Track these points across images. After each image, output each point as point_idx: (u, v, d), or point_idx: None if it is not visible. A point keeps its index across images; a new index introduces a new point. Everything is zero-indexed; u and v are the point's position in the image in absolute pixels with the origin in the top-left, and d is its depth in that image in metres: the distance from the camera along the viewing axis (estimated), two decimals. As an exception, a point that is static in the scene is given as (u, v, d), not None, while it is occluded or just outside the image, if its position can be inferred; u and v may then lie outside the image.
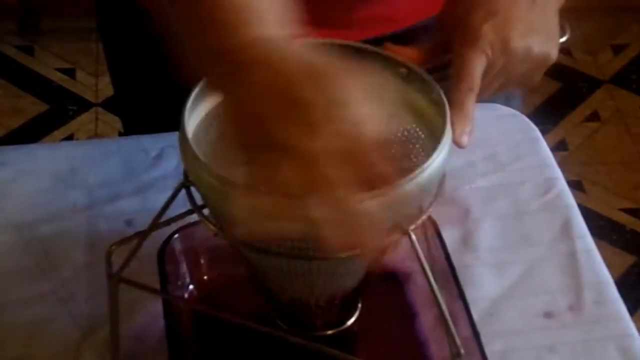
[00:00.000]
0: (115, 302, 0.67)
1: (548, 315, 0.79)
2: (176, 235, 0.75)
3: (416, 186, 0.57)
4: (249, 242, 0.60)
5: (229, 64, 0.57)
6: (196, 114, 0.63)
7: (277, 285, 0.66)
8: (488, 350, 0.70)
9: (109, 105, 2.09)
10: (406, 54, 0.68)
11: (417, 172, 0.57)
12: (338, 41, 0.65)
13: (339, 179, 0.53)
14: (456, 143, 0.63)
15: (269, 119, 0.54)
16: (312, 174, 0.53)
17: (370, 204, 0.55)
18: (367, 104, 0.55)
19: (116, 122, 2.03)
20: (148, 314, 0.75)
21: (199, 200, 0.62)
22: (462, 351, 0.61)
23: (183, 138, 0.60)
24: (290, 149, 0.54)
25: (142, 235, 0.64)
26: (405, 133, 0.66)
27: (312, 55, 0.57)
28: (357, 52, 0.65)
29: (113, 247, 0.65)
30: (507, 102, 0.99)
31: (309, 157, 0.53)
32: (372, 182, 0.55)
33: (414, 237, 0.59)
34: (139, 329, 0.75)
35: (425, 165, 0.58)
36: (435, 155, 0.59)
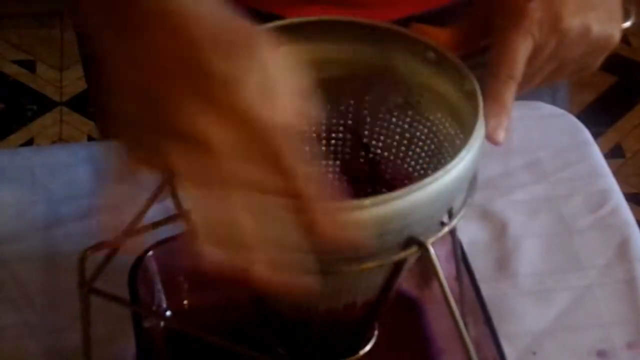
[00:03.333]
0: (87, 316, 0.68)
1: (602, 354, 0.79)
2: (150, 253, 0.75)
3: (439, 190, 0.57)
4: None
5: (124, 16, 0.55)
6: None
7: (274, 305, 0.66)
8: (529, 396, 0.70)
9: (75, 104, 2.09)
10: (436, 35, 0.68)
11: (439, 172, 0.57)
12: (358, 20, 0.66)
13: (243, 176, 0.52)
14: (490, 139, 0.63)
15: (161, 89, 0.53)
16: (207, 165, 0.52)
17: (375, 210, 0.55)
18: (284, 81, 0.54)
19: (84, 125, 2.04)
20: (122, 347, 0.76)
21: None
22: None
23: None
24: (181, 131, 0.52)
25: (116, 241, 0.65)
26: (434, 128, 0.67)
27: (227, 15, 0.55)
28: (377, 33, 0.66)
29: (88, 252, 0.66)
30: (554, 101, 0.99)
31: (202, 145, 0.52)
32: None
33: (432, 252, 0.59)
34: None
35: (451, 165, 0.58)
36: (463, 152, 0.59)
